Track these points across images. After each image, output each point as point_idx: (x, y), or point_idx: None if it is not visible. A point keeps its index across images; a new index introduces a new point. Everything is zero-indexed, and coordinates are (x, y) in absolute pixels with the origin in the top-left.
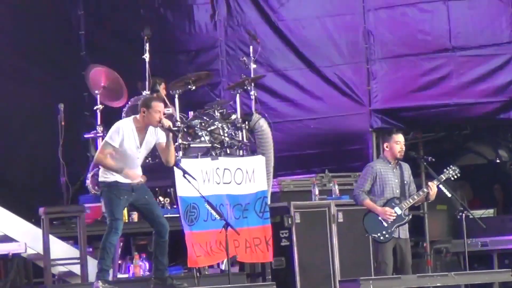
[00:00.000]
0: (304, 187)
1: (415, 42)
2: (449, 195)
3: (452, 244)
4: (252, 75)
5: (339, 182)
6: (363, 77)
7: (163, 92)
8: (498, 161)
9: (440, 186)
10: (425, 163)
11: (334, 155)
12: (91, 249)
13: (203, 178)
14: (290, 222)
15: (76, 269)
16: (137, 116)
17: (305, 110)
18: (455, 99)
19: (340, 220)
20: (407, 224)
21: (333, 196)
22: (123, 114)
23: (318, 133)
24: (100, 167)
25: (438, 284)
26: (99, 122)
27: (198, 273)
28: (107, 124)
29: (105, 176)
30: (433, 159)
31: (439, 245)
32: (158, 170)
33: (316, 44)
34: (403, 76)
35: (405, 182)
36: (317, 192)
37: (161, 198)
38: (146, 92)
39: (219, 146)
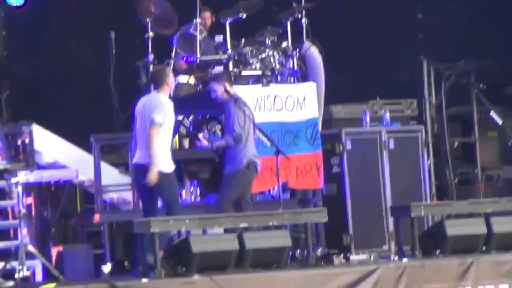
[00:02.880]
0: (355, 114)
1: None
2: (500, 122)
3: (504, 171)
4: (303, 3)
5: (391, 109)
6: (414, 5)
7: (208, 21)
8: None
9: (491, 113)
10: (476, 90)
11: (386, 82)
12: None
13: (254, 106)
14: (341, 149)
15: (128, 195)
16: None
17: (356, 37)
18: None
19: (391, 147)
20: None
21: (384, 123)
22: (174, 43)
23: (370, 60)
24: None
25: (489, 210)
26: (150, 50)
27: (250, 199)
28: (158, 52)
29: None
30: (485, 86)
31: (490, 171)
32: (206, 98)
33: None
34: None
35: None
36: (368, 119)
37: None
38: (197, 20)
39: (270, 74)
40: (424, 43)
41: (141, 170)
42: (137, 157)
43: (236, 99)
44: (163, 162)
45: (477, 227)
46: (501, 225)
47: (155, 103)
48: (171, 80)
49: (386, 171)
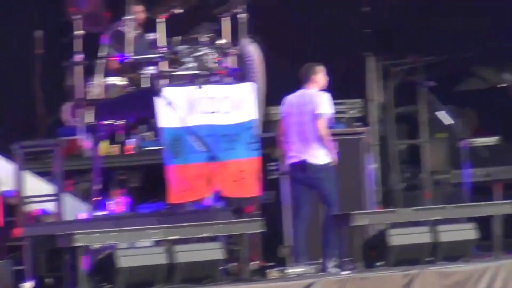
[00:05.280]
0: None
1: None
2: (449, 122)
3: (452, 175)
4: None
5: (337, 110)
6: None
7: (140, 16)
8: (502, 85)
9: (438, 113)
10: (424, 88)
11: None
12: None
13: (188, 108)
14: (279, 154)
15: (52, 206)
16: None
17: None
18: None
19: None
20: None
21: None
22: (105, 40)
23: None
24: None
25: (437, 218)
26: (78, 49)
27: (181, 209)
28: (87, 52)
29: (323, 157)
30: (434, 84)
31: (438, 176)
32: (138, 99)
33: None
34: None
35: None
36: None
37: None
38: (128, 17)
39: (206, 73)
40: (371, 38)
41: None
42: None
43: None
44: None
45: (422, 236)
46: (448, 234)
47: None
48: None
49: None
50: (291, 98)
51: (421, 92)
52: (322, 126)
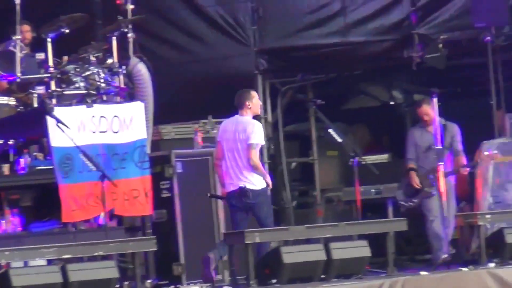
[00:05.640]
0: (186, 134)
1: None
2: (340, 140)
3: (344, 192)
4: (129, 17)
5: None
6: (248, 17)
7: (27, 35)
8: (392, 103)
9: (330, 130)
10: (314, 107)
11: (218, 100)
12: None
13: (78, 127)
14: (171, 172)
15: None
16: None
17: (187, 53)
18: (346, 38)
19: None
20: None
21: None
22: None
23: (201, 77)
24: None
25: (329, 235)
26: None
27: (74, 228)
28: None
29: (259, 182)
30: (323, 102)
31: (330, 193)
32: (28, 120)
33: None
34: (290, 14)
35: None
36: (199, 140)
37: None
38: (16, 37)
39: (95, 93)
40: (259, 57)
41: None
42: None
43: None
44: None
45: (315, 253)
46: (341, 251)
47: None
48: None
49: (219, 194)
50: (227, 124)
51: (310, 110)
52: (254, 156)
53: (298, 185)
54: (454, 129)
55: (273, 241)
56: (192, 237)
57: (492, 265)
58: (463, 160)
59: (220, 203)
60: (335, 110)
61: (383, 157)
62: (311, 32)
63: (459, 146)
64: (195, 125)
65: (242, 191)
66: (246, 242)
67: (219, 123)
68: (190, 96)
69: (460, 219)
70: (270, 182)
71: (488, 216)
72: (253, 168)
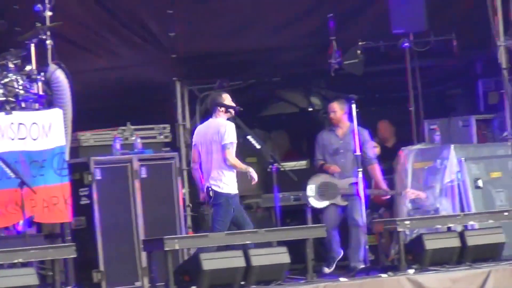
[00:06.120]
0: (105, 141)
1: None
2: (258, 147)
3: (263, 199)
4: (48, 23)
5: (142, 135)
6: (166, 23)
7: None
8: (310, 109)
9: (249, 137)
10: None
11: (137, 107)
12: None
13: None
14: (90, 179)
15: None
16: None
17: (105, 60)
18: (264, 44)
19: (144, 175)
20: None
21: (136, 150)
22: None
23: (119, 84)
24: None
25: (248, 242)
26: None
27: None
28: None
29: (227, 186)
30: (241, 108)
31: (249, 200)
32: None
33: None
34: (208, 21)
35: None
36: (118, 146)
37: None
38: None
39: (13, 100)
40: (177, 63)
41: None
42: None
43: None
44: None
45: (235, 260)
46: (260, 257)
47: None
48: None
49: (138, 201)
50: (201, 128)
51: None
52: (230, 155)
53: None
54: (365, 135)
55: (193, 248)
56: (111, 244)
57: (411, 271)
58: (377, 169)
59: (140, 210)
60: (253, 116)
61: (301, 164)
62: (229, 38)
63: (371, 152)
64: (114, 132)
65: (207, 191)
66: (166, 249)
67: (138, 129)
68: (108, 103)
69: (380, 225)
70: (254, 176)
71: (407, 222)
72: (232, 167)
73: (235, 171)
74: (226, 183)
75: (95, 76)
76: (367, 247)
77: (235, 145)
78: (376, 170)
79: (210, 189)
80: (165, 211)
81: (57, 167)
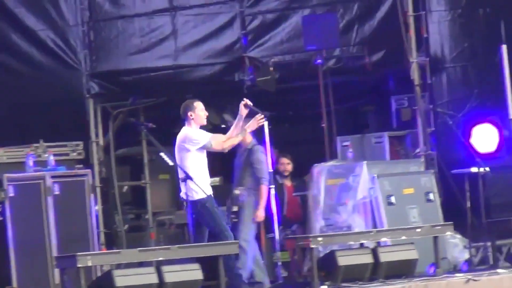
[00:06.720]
0: (18, 158)
1: (130, 2)
2: (171, 163)
3: (176, 216)
4: None
5: (55, 152)
6: (79, 41)
7: None
8: (223, 126)
9: (162, 154)
10: (145, 130)
11: (50, 124)
12: None
13: None
14: (3, 196)
15: None
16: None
17: (18, 76)
18: (177, 61)
19: (57, 192)
20: None
21: (49, 167)
22: None
23: (32, 100)
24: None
25: (161, 258)
26: None
27: None
28: None
29: (196, 193)
30: (154, 126)
31: (162, 216)
32: None
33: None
34: (120, 38)
35: None
36: (31, 163)
37: None
38: None
39: None
40: (89, 80)
41: None
42: None
43: None
44: None
45: (148, 276)
46: (173, 274)
47: None
48: None
49: (52, 218)
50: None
51: (142, 133)
52: (218, 145)
53: (130, 208)
54: (258, 153)
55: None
56: (24, 261)
57: (324, 287)
58: (264, 192)
59: (53, 226)
60: (166, 133)
61: (214, 180)
62: (142, 55)
63: (260, 173)
64: (27, 149)
65: (186, 201)
66: (79, 265)
67: (51, 146)
68: (21, 119)
69: (292, 242)
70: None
71: (320, 238)
72: (231, 142)
73: (201, 174)
74: (196, 189)
75: (8, 93)
76: (280, 263)
77: (211, 138)
78: (262, 193)
79: (181, 199)
80: (78, 227)
81: None
